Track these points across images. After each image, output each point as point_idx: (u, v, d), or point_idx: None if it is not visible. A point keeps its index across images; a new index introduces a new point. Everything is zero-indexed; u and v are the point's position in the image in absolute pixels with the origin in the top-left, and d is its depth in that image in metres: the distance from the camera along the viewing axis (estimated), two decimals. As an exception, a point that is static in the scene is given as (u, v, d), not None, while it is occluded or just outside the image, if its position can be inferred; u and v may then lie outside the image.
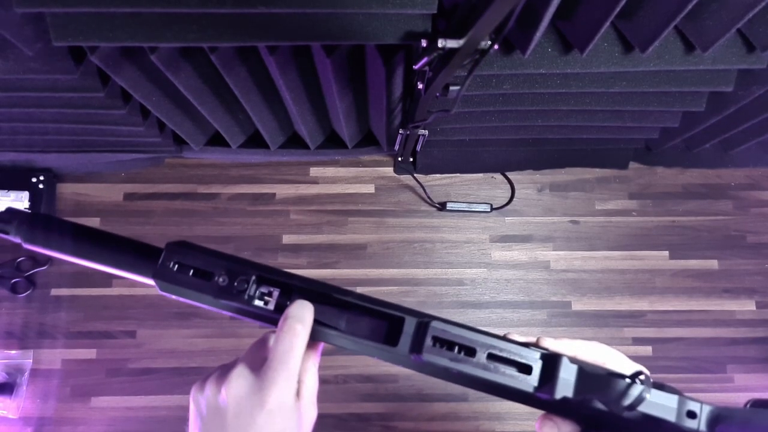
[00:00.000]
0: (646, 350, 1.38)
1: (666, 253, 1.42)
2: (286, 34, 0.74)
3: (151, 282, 0.42)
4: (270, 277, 0.41)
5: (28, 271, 1.33)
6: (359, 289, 1.37)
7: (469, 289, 1.39)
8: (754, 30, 0.81)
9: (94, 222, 1.38)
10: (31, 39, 0.74)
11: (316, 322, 0.40)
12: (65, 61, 0.80)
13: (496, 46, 0.66)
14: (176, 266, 0.41)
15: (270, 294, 0.41)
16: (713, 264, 1.42)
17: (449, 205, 1.41)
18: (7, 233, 0.43)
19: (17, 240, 0.43)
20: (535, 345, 0.40)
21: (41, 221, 0.43)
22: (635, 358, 0.40)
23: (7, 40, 0.72)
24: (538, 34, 0.72)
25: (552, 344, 0.41)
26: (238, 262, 0.41)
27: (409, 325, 0.39)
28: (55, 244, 0.42)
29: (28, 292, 1.32)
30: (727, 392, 1.37)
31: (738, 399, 1.37)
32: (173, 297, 0.42)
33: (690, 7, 0.69)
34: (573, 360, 0.38)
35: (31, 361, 1.31)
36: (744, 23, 0.76)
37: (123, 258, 0.42)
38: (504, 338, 0.40)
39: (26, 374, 1.30)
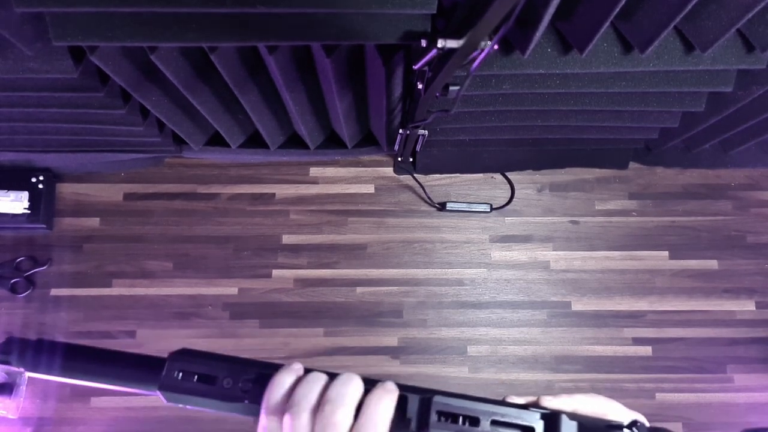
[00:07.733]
0: (646, 350, 1.38)
1: (666, 253, 1.42)
2: (286, 34, 0.74)
3: (156, 394, 0.42)
4: (273, 373, 0.42)
5: (28, 271, 1.33)
6: (359, 290, 1.39)
7: (469, 289, 1.39)
8: (753, 30, 0.81)
9: (93, 222, 1.38)
10: (31, 39, 0.74)
11: None
12: (65, 61, 0.80)
13: (495, 46, 0.66)
14: (180, 375, 0.42)
15: None
16: (713, 264, 1.42)
17: (449, 205, 1.41)
18: (8, 363, 0.45)
19: (21, 369, 0.45)
20: (535, 405, 0.42)
21: (32, 347, 0.45)
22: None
23: (6, 39, 0.72)
24: (538, 34, 0.72)
25: (551, 402, 0.42)
26: (239, 362, 0.43)
27: (413, 403, 0.40)
28: (58, 370, 0.44)
29: (28, 292, 1.32)
30: (727, 392, 1.37)
31: (738, 399, 1.37)
32: (179, 406, 0.43)
33: (689, 7, 0.69)
34: (573, 416, 0.39)
35: (30, 361, 1.31)
36: (743, 23, 0.76)
37: (126, 374, 0.44)
38: (504, 402, 0.41)
39: (26, 374, 1.29)
